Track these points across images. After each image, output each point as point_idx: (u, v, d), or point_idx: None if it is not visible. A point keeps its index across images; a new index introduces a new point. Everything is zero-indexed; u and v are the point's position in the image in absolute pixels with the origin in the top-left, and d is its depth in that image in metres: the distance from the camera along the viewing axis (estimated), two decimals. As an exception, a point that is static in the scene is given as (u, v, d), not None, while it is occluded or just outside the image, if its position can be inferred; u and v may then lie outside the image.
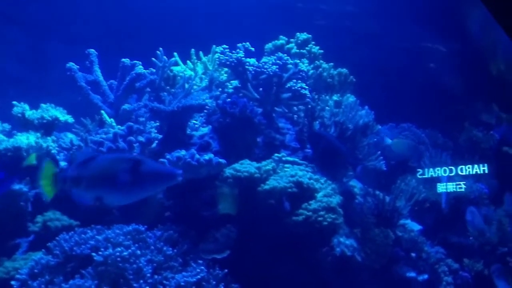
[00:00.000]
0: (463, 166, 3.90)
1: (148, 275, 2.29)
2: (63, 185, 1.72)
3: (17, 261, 2.42)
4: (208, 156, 2.68)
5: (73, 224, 2.59)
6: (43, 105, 3.13)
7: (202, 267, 2.42)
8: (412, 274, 3.08)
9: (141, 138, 2.75)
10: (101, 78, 3.31)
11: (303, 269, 2.75)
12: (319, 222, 2.64)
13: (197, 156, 2.66)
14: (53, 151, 2.88)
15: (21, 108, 3.03)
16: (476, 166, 3.89)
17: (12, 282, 2.27)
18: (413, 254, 3.27)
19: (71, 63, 3.21)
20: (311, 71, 3.51)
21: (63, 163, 2.95)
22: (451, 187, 3.90)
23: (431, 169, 4.02)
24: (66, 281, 2.22)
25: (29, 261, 2.37)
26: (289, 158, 2.97)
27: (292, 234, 2.71)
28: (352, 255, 2.91)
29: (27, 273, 2.29)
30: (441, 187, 3.92)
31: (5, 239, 2.59)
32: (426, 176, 3.99)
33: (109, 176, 1.64)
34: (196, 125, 3.12)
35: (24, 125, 3.02)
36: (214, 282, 2.41)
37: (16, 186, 2.53)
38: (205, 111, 3.12)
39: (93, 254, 2.26)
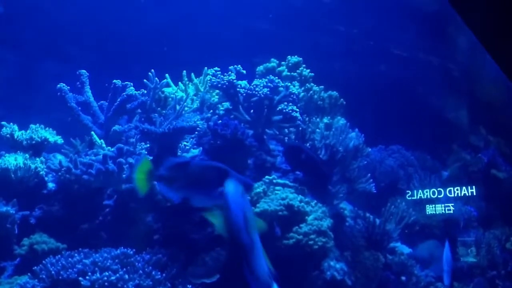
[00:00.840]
0: (452, 188, 3.93)
1: (137, 299, 2.25)
2: (157, 182, 1.87)
3: (2, 285, 2.37)
4: (199, 178, 2.67)
5: (60, 247, 2.55)
6: (32, 126, 3.10)
7: (191, 292, 2.39)
8: (403, 299, 3.08)
9: (131, 160, 2.73)
10: (91, 99, 3.30)
11: (294, 293, 2.73)
12: (310, 245, 2.63)
13: (189, 178, 2.65)
14: (41, 173, 2.85)
15: (10, 129, 3.00)
16: (464, 188, 3.92)
17: (-4, 308, 2.23)
18: (403, 278, 3.26)
19: (62, 83, 3.20)
20: (302, 94, 3.54)
21: (51, 185, 2.92)
22: (439, 209, 3.92)
23: (420, 191, 4.05)
24: (52, 306, 2.18)
25: (14, 286, 2.32)
26: (279, 181, 2.97)
27: (282, 257, 2.69)
28: (343, 279, 2.90)
29: (11, 298, 2.24)
30: (430, 209, 3.95)
31: (-10, 263, 2.54)
32: (415, 197, 4.02)
33: (200, 182, 1.81)
34: (187, 147, 3.11)
35: (12, 146, 2.98)
36: (203, 308, 2.38)
37: (3, 208, 2.49)
38: (196, 132, 3.12)
39: (80, 278, 2.23)
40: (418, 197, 3.99)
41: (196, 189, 1.85)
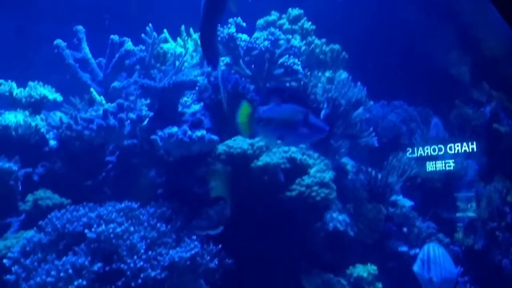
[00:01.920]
0: (452, 145, 3.92)
1: (142, 251, 2.28)
2: (256, 124, 2.09)
3: (8, 239, 2.40)
4: (200, 132, 2.66)
5: (65, 203, 2.56)
6: (31, 83, 3.06)
7: (196, 243, 2.42)
8: (404, 248, 3.12)
9: (131, 115, 2.71)
10: (89, 55, 3.25)
11: (296, 244, 2.77)
12: (313, 197, 2.64)
13: (189, 132, 2.64)
14: (42, 130, 2.83)
15: (8, 86, 2.96)
16: (465, 144, 3.90)
17: (5, 261, 2.26)
18: (405, 229, 3.29)
19: (58, 40, 3.14)
20: (303, 47, 3.48)
21: (52, 142, 2.91)
22: (440, 165, 3.92)
23: (420, 148, 4.04)
24: (59, 258, 2.21)
25: (21, 240, 2.35)
26: (281, 135, 2.95)
27: (285, 209, 2.71)
28: (345, 230, 2.93)
29: (19, 251, 2.27)
30: (430, 166, 3.94)
31: (-5, 218, 2.56)
32: (415, 155, 4.01)
33: (291, 121, 2.09)
34: (188, 103, 3.08)
35: (11, 104, 2.96)
36: (208, 257, 2.41)
37: (5, 165, 2.49)
38: (197, 88, 3.08)
39: (86, 231, 2.24)
40: (418, 155, 3.98)
41: (287, 129, 2.10)
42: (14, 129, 2.72)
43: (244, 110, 2.14)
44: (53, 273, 2.10)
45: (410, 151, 4.01)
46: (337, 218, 2.94)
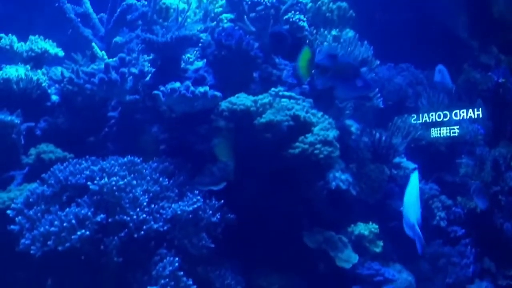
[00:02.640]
0: (458, 111, 3.86)
1: (145, 204, 2.29)
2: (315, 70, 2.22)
3: (12, 192, 2.41)
4: (203, 88, 2.62)
5: (67, 157, 2.56)
6: (31, 37, 3.02)
7: (199, 197, 2.42)
8: (405, 208, 3.12)
9: (134, 70, 2.67)
10: (91, 10, 3.18)
11: (298, 202, 2.78)
12: (316, 155, 2.62)
13: (192, 88, 2.60)
14: (44, 84, 2.81)
15: (8, 40, 2.92)
16: (471, 110, 3.85)
17: (8, 212, 2.28)
18: (407, 191, 3.29)
19: (59, -8, 3.08)
20: (310, 5, 3.39)
21: (54, 97, 2.89)
22: (444, 132, 3.88)
23: (425, 114, 3.99)
24: (62, 210, 2.22)
25: (24, 191, 2.36)
26: (286, 93, 2.91)
27: (288, 167, 2.70)
28: (347, 189, 2.93)
29: (22, 202, 2.29)
30: (435, 132, 3.90)
31: (-1, 171, 2.57)
32: (420, 121, 3.96)
33: (346, 73, 2.20)
34: (191, 59, 3.03)
35: (12, 58, 2.92)
36: (210, 212, 2.43)
37: (7, 118, 2.48)
38: (200, 44, 3.03)
39: (89, 183, 2.25)
40: (423, 121, 3.94)
41: (341, 80, 2.22)
42: (15, 83, 2.69)
43: (305, 55, 2.24)
44: (56, 223, 2.12)
45: (415, 117, 3.97)
46: (340, 177, 2.94)
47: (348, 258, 2.72)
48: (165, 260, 2.18)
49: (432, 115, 3.90)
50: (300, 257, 2.71)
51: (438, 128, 3.88)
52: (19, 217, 2.22)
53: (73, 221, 2.11)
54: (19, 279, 2.32)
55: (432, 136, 3.84)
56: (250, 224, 2.63)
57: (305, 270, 2.72)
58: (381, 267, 2.80)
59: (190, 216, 2.36)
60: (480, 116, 3.83)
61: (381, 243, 2.86)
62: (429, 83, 4.49)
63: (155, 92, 2.59)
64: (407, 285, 2.85)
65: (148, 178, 2.43)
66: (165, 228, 2.28)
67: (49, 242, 2.10)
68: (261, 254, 2.65)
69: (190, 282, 2.20)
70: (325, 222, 2.85)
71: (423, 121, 3.93)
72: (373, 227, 2.88)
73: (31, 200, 2.28)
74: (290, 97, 2.89)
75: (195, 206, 2.38)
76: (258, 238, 2.65)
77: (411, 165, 3.58)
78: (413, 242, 2.61)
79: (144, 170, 2.47)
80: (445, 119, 3.84)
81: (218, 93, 2.65)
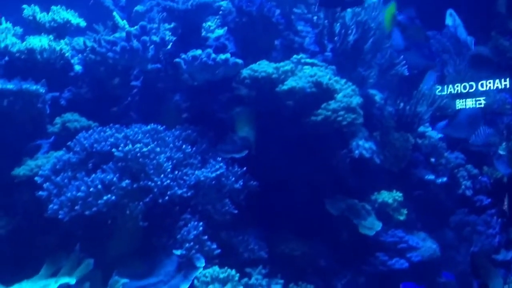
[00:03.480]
0: (484, 81, 3.74)
1: (168, 170, 2.31)
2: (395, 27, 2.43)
3: (39, 159, 2.46)
4: (224, 55, 2.60)
5: (92, 125, 2.59)
6: (54, 7, 3.03)
7: (221, 164, 2.44)
8: (431, 176, 3.08)
9: (155, 38, 2.66)
10: (111, -20, 3.17)
11: (321, 170, 2.76)
12: (339, 121, 2.59)
13: (213, 55, 2.59)
14: (67, 54, 2.83)
15: (31, 10, 2.94)
16: (497, 81, 3.72)
17: (36, 178, 2.33)
18: (432, 159, 3.24)
19: (79, -37, 3.07)
20: (332, -30, 3.29)
21: (78, 67, 2.92)
22: (470, 103, 3.77)
23: (450, 86, 3.88)
24: (88, 176, 2.26)
25: (51, 159, 2.40)
26: (308, 60, 2.87)
27: (310, 134, 2.68)
28: (371, 157, 2.89)
29: (49, 169, 2.34)
30: (460, 103, 3.80)
31: (26, 141, 2.62)
32: (445, 92, 3.86)
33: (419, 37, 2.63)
34: (212, 27, 3.00)
35: (35, 28, 2.94)
36: (233, 179, 2.44)
37: (33, 87, 2.51)
38: (220, 12, 2.99)
39: (113, 150, 2.28)
40: (448, 92, 3.83)
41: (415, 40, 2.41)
42: (39, 53, 2.72)
43: (390, 10, 2.51)
44: (83, 188, 2.16)
45: (440, 88, 3.87)
46: (363, 146, 2.90)
47: (372, 225, 2.71)
48: (189, 225, 2.21)
49: (457, 86, 3.80)
50: (323, 225, 2.71)
51: (464, 100, 3.78)
52: (47, 184, 2.27)
53: (99, 187, 2.15)
54: (49, 243, 2.38)
55: (457, 108, 3.75)
56: (272, 192, 2.63)
57: (328, 237, 2.72)
58: (405, 234, 2.78)
59: (213, 182, 2.37)
60: (507, 86, 3.71)
61: (405, 211, 2.83)
62: (455, 51, 4.37)
63: (177, 60, 2.58)
64: (431, 253, 2.83)
65: (171, 145, 2.45)
66: (189, 194, 2.31)
67: (76, 207, 2.14)
68: (283, 221, 2.66)
69: (214, 246, 2.22)
70: (348, 190, 2.83)
71: (448, 92, 3.84)
72: (397, 195, 2.85)
73: (57, 167, 2.33)
74: (312, 64, 2.85)
75: (218, 172, 2.39)
76: (281, 206, 2.66)
77: (436, 134, 3.51)
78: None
79: (167, 138, 2.48)
80: (470, 90, 3.74)
81: (239, 60, 2.63)
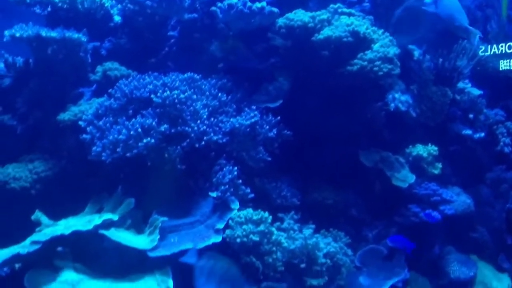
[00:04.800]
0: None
1: (205, 116, 2.37)
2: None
3: (82, 105, 2.56)
4: (260, 4, 2.60)
5: (132, 74, 2.66)
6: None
7: (256, 112, 2.47)
8: (468, 131, 3.02)
9: (192, -13, 2.68)
10: None
11: (355, 122, 2.76)
12: (375, 72, 2.56)
13: (249, 4, 2.59)
14: (107, 5, 2.89)
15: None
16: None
17: (80, 123, 2.44)
18: (470, 115, 3.16)
19: None
20: None
21: (117, 18, 2.98)
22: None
23: (494, 45, 3.72)
24: (129, 121, 2.34)
25: (94, 104, 2.50)
26: (345, 10, 2.82)
27: (346, 85, 2.67)
28: (407, 111, 2.87)
29: (92, 114, 2.44)
30: (504, 64, 3.65)
31: (69, 89, 2.73)
32: (488, 53, 3.71)
33: None
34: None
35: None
36: (267, 127, 2.48)
37: (75, 35, 2.59)
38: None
39: (152, 96, 2.35)
40: (491, 53, 3.68)
41: None
42: (80, 3, 2.79)
43: None
44: (124, 131, 2.25)
45: (483, 48, 3.72)
46: (399, 98, 2.87)
47: (405, 177, 2.72)
48: (224, 169, 2.28)
49: (501, 46, 3.65)
50: (356, 176, 2.74)
51: (508, 60, 3.63)
52: (90, 127, 2.37)
53: (139, 130, 2.23)
54: (92, 185, 2.51)
55: (501, 69, 3.61)
56: (306, 142, 2.67)
57: (360, 188, 2.75)
58: (439, 188, 2.76)
59: (248, 130, 2.42)
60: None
61: (439, 165, 2.81)
62: (499, 6, 4.18)
63: (213, 8, 2.60)
64: (465, 207, 2.82)
65: (207, 93, 2.50)
66: (224, 140, 2.37)
67: (118, 149, 2.24)
68: (316, 171, 2.70)
69: (248, 190, 2.29)
70: (382, 143, 2.83)
71: (492, 53, 3.69)
72: (432, 149, 2.82)
73: (100, 112, 2.43)
74: (349, 14, 2.80)
75: (253, 120, 2.43)
76: (314, 156, 2.70)
77: (476, 91, 3.41)
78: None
79: (203, 86, 2.53)
80: (515, 50, 3.58)
81: (275, 9, 2.62)
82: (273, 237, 2.18)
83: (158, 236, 2.05)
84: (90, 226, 2.00)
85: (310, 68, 2.69)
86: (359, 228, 2.68)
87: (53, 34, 2.54)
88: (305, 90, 2.70)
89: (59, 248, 2.04)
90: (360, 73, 2.57)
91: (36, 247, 1.91)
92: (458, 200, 2.82)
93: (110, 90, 2.50)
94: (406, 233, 2.63)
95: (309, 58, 2.66)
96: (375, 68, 2.55)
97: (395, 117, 2.86)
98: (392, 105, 2.83)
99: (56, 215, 2.22)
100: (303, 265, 2.22)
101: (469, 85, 3.40)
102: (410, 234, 2.65)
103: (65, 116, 2.50)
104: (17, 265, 2.12)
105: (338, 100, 2.72)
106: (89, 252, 2.08)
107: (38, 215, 2.13)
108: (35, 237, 1.96)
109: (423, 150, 2.81)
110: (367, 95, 2.77)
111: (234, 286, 2.04)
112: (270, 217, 2.19)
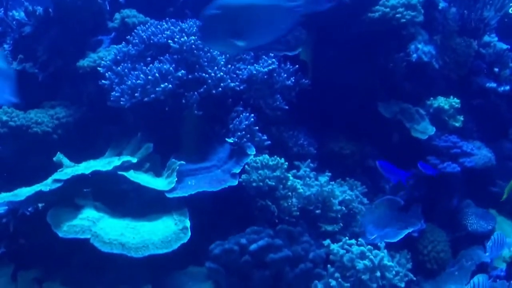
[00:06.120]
0: None
1: (222, 63, 2.36)
2: None
3: (101, 52, 2.58)
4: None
5: (149, 21, 2.65)
6: None
7: (274, 60, 2.45)
8: (492, 84, 2.94)
9: None
10: None
11: (376, 72, 2.71)
12: (397, 19, 2.50)
13: None
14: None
15: None
16: None
17: (99, 69, 2.46)
18: (496, 69, 3.07)
19: None
20: None
21: None
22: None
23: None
24: (146, 66, 2.35)
25: (112, 50, 2.52)
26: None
27: (366, 35, 2.61)
28: (430, 61, 2.79)
29: (111, 59, 2.45)
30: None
31: (88, 36, 2.74)
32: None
33: None
34: None
35: None
36: (285, 75, 2.45)
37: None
38: None
39: (170, 41, 2.34)
40: None
41: None
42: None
43: None
44: (142, 76, 2.26)
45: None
46: (422, 49, 2.79)
47: (424, 129, 2.68)
48: (241, 116, 2.28)
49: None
50: (374, 126, 2.71)
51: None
52: (109, 73, 2.39)
53: (157, 75, 2.24)
54: (112, 132, 2.55)
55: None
56: (324, 92, 2.64)
57: (378, 140, 2.73)
58: (459, 140, 2.71)
59: (265, 77, 2.40)
60: None
61: (461, 118, 2.75)
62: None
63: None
64: (485, 161, 2.77)
65: (225, 45, 2.47)
66: (241, 87, 2.36)
67: (136, 94, 2.27)
68: (334, 121, 2.68)
69: (265, 137, 2.30)
70: (402, 95, 2.78)
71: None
72: (454, 101, 2.75)
73: (118, 57, 2.44)
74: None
75: (270, 67, 2.41)
76: (332, 106, 2.67)
77: (502, 45, 3.29)
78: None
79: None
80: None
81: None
82: (289, 183, 2.19)
83: (176, 179, 2.08)
84: (109, 167, 2.04)
85: (330, 16, 2.61)
86: (376, 179, 2.67)
87: (72, -21, 2.54)
88: (324, 38, 2.65)
89: (80, 188, 2.10)
90: (382, 20, 2.50)
91: (57, 185, 1.96)
92: (479, 153, 2.77)
93: (128, 37, 2.51)
94: (423, 184, 2.62)
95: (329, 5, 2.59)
96: (398, 15, 2.48)
97: (417, 69, 2.79)
98: (415, 55, 2.75)
99: (76, 160, 2.27)
100: (318, 211, 2.23)
101: (496, 39, 3.29)
102: (428, 185, 2.64)
103: (84, 62, 2.52)
104: (40, 205, 2.20)
105: (358, 50, 2.67)
106: (108, 193, 2.14)
107: (59, 157, 2.19)
108: (56, 175, 2.01)
109: (445, 102, 2.75)
110: (388, 45, 2.70)
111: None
112: (286, 163, 2.20)
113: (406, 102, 2.75)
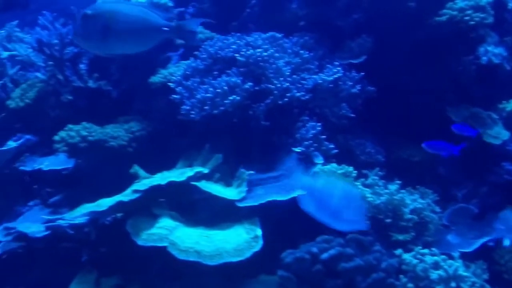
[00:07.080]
0: None
1: (287, 73, 2.40)
2: None
3: (171, 68, 2.70)
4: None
5: (215, 36, 2.74)
6: None
7: (339, 69, 2.46)
8: None
9: None
10: None
11: (443, 76, 2.65)
12: (465, 21, 2.44)
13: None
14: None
15: None
16: None
17: (169, 84, 2.58)
18: None
19: None
20: None
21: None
22: None
23: None
24: (215, 80, 2.44)
25: (181, 66, 2.63)
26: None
27: (433, 38, 2.56)
28: (501, 63, 2.69)
29: (181, 75, 2.56)
30: None
31: (158, 53, 2.87)
32: None
33: None
34: None
35: None
36: (350, 83, 2.46)
37: (162, 0, 2.71)
38: None
39: (236, 55, 2.42)
40: None
41: None
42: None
43: None
44: (210, 90, 2.35)
45: None
46: (492, 51, 2.70)
47: (498, 134, 2.57)
48: (307, 125, 2.31)
49: None
50: (444, 133, 2.63)
51: None
52: (179, 88, 2.50)
53: (225, 88, 2.32)
54: (181, 144, 2.65)
55: None
56: (391, 98, 2.61)
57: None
58: (536, 145, 2.58)
59: (331, 86, 2.41)
60: None
61: (537, 121, 2.62)
62: None
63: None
64: None
65: (289, 51, 2.52)
66: (307, 97, 2.38)
67: (205, 107, 2.35)
68: (402, 127, 2.63)
69: (332, 146, 2.30)
70: (472, 99, 2.70)
71: None
72: (529, 104, 2.64)
73: (187, 73, 2.54)
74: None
75: (336, 76, 2.42)
76: (399, 112, 2.63)
77: None
78: None
79: (285, 44, 2.55)
80: None
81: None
82: (358, 191, 2.18)
83: (246, 188, 2.14)
84: (183, 177, 2.13)
85: (395, 21, 2.60)
86: (447, 187, 2.60)
87: (140, -1, 2.68)
88: (389, 44, 2.62)
89: (156, 198, 2.20)
90: (449, 24, 2.45)
91: (136, 195, 2.07)
92: (558, 158, 2.62)
93: (196, 52, 2.61)
94: (497, 192, 2.52)
95: (394, 10, 2.57)
96: (466, 18, 2.42)
97: (487, 71, 2.70)
98: (484, 58, 2.67)
99: (149, 171, 2.38)
100: (388, 220, 2.20)
101: None
102: (501, 193, 2.53)
103: (156, 78, 2.65)
104: (118, 215, 2.32)
105: (424, 55, 2.62)
106: (182, 202, 2.23)
107: (136, 168, 2.31)
108: (135, 186, 2.13)
109: (519, 105, 2.64)
110: (456, 49, 2.63)
111: None
112: (355, 171, 2.19)
113: (477, 106, 2.66)
